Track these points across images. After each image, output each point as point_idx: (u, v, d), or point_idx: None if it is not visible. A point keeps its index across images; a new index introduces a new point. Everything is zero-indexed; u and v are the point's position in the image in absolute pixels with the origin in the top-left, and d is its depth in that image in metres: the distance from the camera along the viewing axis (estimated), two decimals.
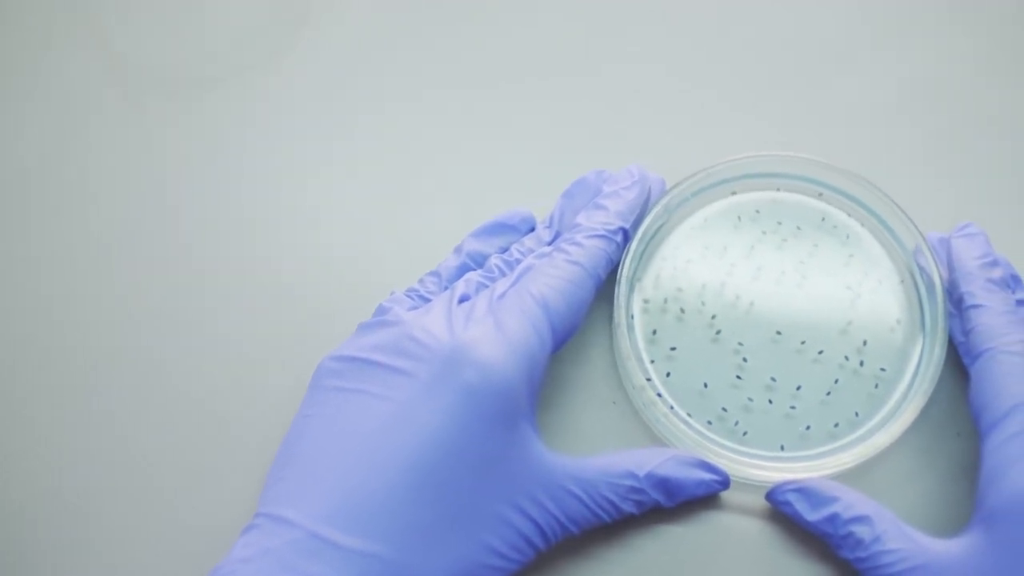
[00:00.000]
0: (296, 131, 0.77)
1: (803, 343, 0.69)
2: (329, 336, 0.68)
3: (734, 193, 0.73)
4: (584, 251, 0.66)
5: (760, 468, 0.66)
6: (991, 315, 0.65)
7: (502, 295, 0.64)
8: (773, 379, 0.68)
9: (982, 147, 0.78)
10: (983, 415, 0.63)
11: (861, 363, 0.69)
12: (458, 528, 0.59)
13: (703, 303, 0.70)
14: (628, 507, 0.63)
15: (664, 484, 0.64)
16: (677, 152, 0.75)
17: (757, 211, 0.73)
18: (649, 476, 0.63)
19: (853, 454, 0.65)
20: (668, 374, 0.69)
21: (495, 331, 0.62)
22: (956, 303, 0.67)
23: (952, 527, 0.64)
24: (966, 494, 0.65)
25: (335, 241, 0.74)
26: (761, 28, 0.82)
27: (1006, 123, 0.78)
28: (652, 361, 0.69)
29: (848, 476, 0.66)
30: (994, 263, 0.68)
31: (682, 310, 0.70)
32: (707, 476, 0.65)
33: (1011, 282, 0.68)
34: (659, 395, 0.68)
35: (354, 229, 0.74)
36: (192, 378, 0.70)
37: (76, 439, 0.69)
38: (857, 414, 0.68)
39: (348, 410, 0.62)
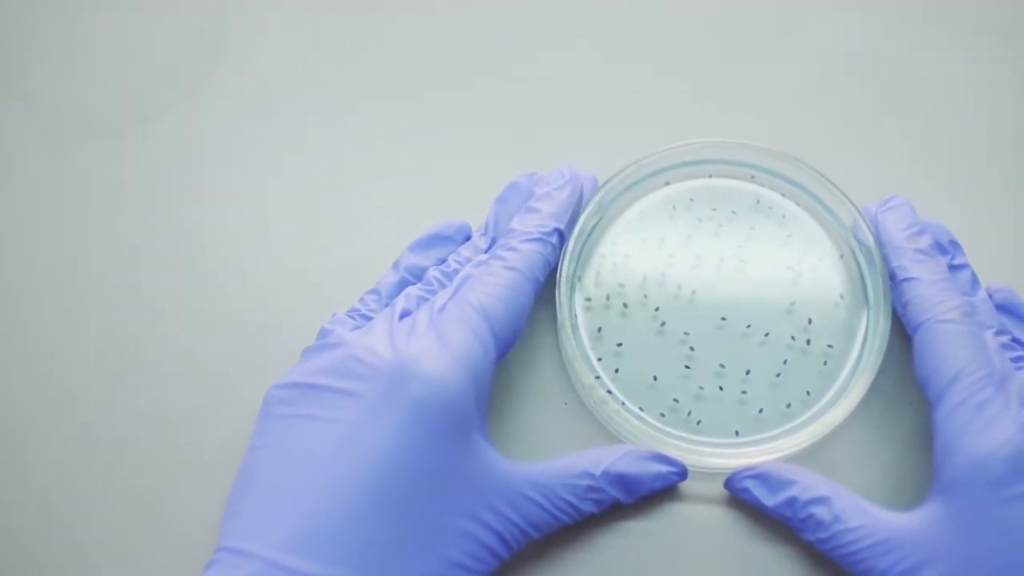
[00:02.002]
0: (224, 162, 0.77)
1: (749, 327, 0.69)
2: (275, 364, 0.68)
3: (667, 183, 0.73)
4: (520, 256, 0.66)
5: (717, 456, 0.66)
6: (923, 286, 0.65)
7: (442, 307, 0.64)
8: (722, 366, 0.68)
9: (910, 116, 0.78)
10: (929, 386, 0.63)
11: (808, 342, 0.69)
12: (418, 544, 0.59)
13: (645, 296, 0.70)
14: (588, 507, 0.63)
15: (621, 480, 0.64)
16: (607, 147, 0.75)
17: (691, 199, 0.73)
18: (606, 474, 0.63)
19: (807, 433, 0.65)
20: (617, 370, 0.68)
21: (437, 344, 0.61)
22: (891, 278, 0.68)
23: (912, 496, 0.65)
24: (924, 463, 0.66)
25: (273, 268, 0.73)
26: (680, 14, 0.82)
27: (931, 92, 0.79)
28: (599, 359, 0.69)
29: (805, 456, 0.66)
30: (921, 232, 0.68)
31: (625, 305, 0.70)
32: (664, 468, 0.65)
33: (947, 247, 0.69)
34: (609, 392, 0.68)
35: (291, 254, 0.74)
36: (139, 421, 0.69)
37: (22, 488, 0.68)
38: (808, 393, 0.68)
39: (298, 437, 0.61)
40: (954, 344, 0.63)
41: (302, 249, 0.74)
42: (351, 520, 0.58)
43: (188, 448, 0.69)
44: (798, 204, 0.73)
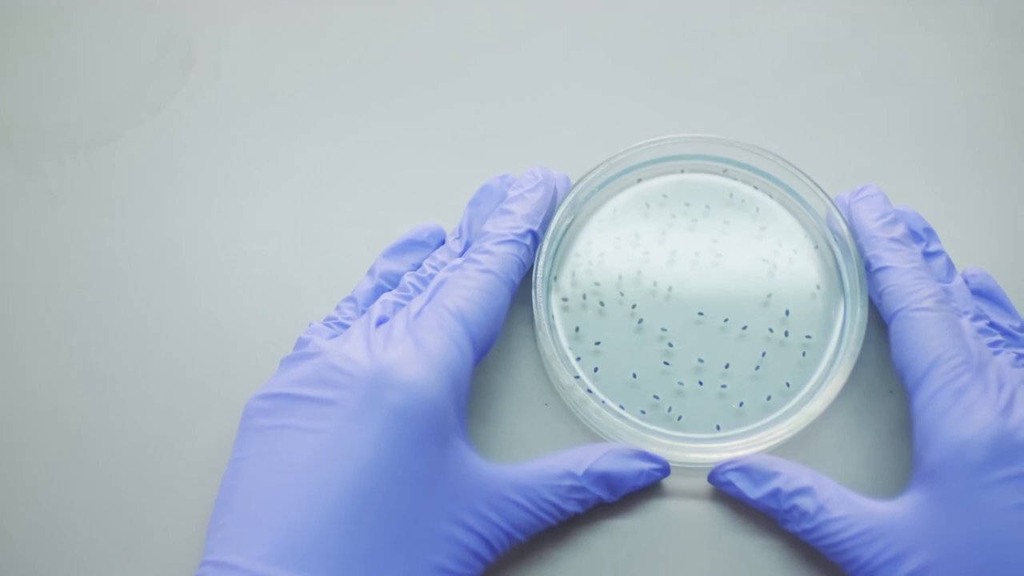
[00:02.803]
0: (194, 176, 0.77)
1: (726, 321, 0.69)
2: (256, 374, 0.68)
3: (640, 180, 0.73)
4: (495, 258, 0.66)
5: (699, 451, 0.66)
6: (898, 275, 0.66)
7: (418, 313, 0.64)
8: (701, 360, 0.68)
9: (880, 105, 0.78)
10: (907, 374, 0.63)
11: (786, 333, 0.69)
12: (403, 551, 0.59)
13: (622, 294, 0.70)
14: (571, 507, 0.63)
15: (604, 479, 0.64)
16: (579, 146, 0.75)
17: (664, 195, 0.73)
18: (588, 473, 0.63)
19: (789, 425, 0.66)
20: (596, 369, 0.68)
21: (415, 350, 0.61)
22: (866, 267, 0.68)
23: (896, 484, 0.65)
24: (905, 450, 0.66)
25: (249, 279, 0.73)
26: (646, 9, 0.81)
27: (900, 79, 0.79)
28: (578, 359, 0.69)
29: (787, 448, 0.67)
30: (894, 221, 0.68)
31: (602, 304, 0.70)
32: (646, 465, 0.65)
33: (922, 234, 0.69)
34: (589, 392, 0.68)
35: (266, 265, 0.74)
36: (121, 436, 0.69)
37: (3, 504, 0.68)
38: (788, 384, 0.68)
39: (279, 447, 0.61)
40: (930, 332, 0.63)
41: (277, 260, 0.74)
42: (334, 530, 0.58)
43: (171, 461, 0.68)
44: (771, 196, 0.73)
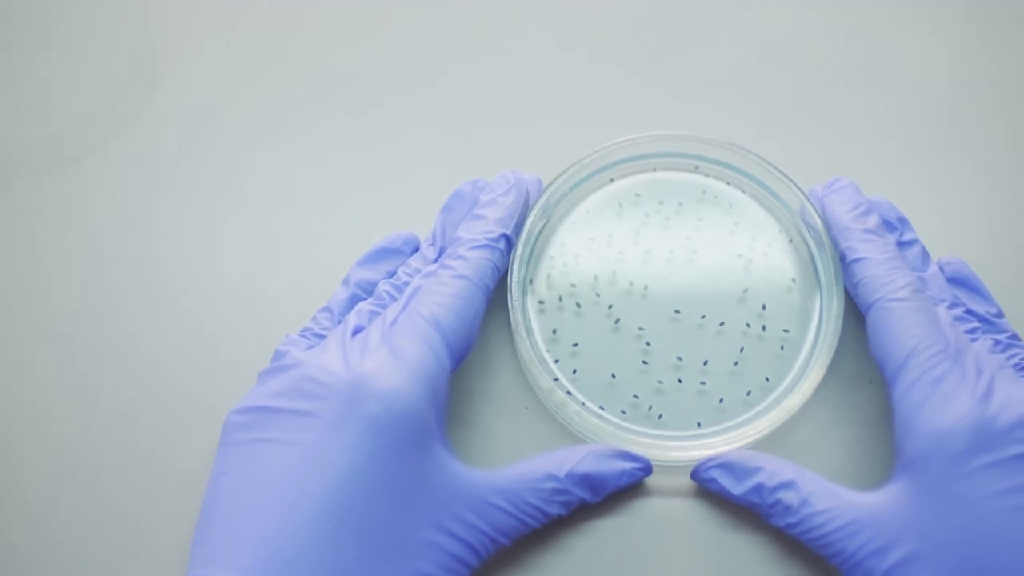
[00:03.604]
0: (166, 192, 0.76)
1: (703, 317, 0.69)
2: (235, 388, 0.67)
3: (612, 180, 0.73)
4: (469, 264, 0.66)
5: (680, 448, 0.66)
6: (873, 266, 0.66)
7: (394, 321, 0.64)
8: (679, 358, 0.68)
9: (849, 97, 0.78)
10: (885, 365, 0.64)
11: (764, 328, 0.69)
12: (386, 559, 0.59)
13: (598, 295, 0.70)
14: (555, 509, 0.63)
15: (586, 480, 0.64)
16: (550, 148, 0.75)
17: (637, 194, 0.73)
18: (570, 475, 0.63)
19: (769, 419, 0.66)
20: (575, 371, 0.68)
21: (391, 359, 0.61)
22: (841, 259, 0.68)
23: (879, 474, 0.65)
24: (887, 440, 0.66)
25: (224, 294, 0.73)
26: (614, 7, 0.82)
27: (869, 71, 0.79)
28: (556, 361, 0.69)
29: (769, 442, 0.67)
30: (867, 212, 0.68)
31: (578, 305, 0.70)
32: (628, 465, 0.65)
33: (895, 224, 0.69)
34: (569, 394, 0.68)
35: (242, 279, 0.73)
36: (102, 454, 0.69)
37: None
38: (767, 379, 0.68)
39: (259, 461, 0.61)
40: (906, 322, 0.63)
41: (253, 271, 0.73)
42: (315, 542, 0.58)
43: (152, 477, 0.68)
44: (744, 192, 0.73)
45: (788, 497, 0.62)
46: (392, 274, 0.69)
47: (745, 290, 0.70)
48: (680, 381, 0.68)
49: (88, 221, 0.76)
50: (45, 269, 0.74)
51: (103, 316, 0.72)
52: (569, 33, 0.81)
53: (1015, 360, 0.65)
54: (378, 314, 0.66)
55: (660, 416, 0.67)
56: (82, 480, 0.68)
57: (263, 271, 0.73)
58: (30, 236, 0.75)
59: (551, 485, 0.63)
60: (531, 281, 0.71)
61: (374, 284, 0.69)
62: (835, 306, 0.68)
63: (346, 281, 0.69)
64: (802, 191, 0.70)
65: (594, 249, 0.71)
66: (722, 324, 0.69)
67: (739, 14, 0.81)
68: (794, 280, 0.70)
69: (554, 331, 0.69)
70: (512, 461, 0.64)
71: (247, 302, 0.72)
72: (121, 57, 0.81)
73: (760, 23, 0.81)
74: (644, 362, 0.68)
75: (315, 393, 0.61)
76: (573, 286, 0.70)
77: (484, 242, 0.66)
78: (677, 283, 0.70)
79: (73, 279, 0.74)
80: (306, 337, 0.66)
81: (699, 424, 0.67)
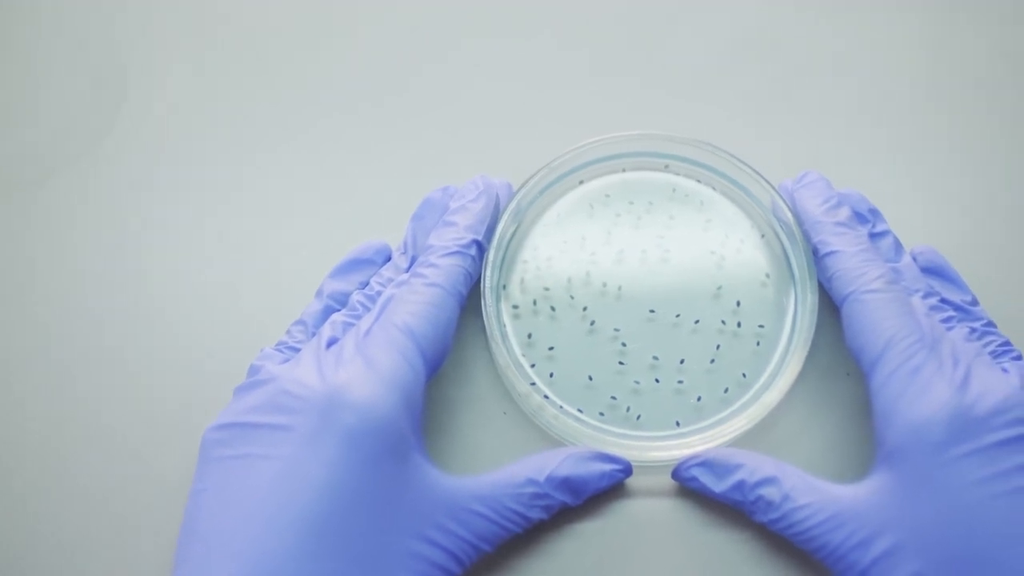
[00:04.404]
0: (133, 210, 0.76)
1: (678, 316, 0.69)
2: (212, 405, 0.67)
3: (582, 182, 0.73)
4: (440, 271, 0.65)
5: (660, 448, 0.66)
6: (845, 259, 0.66)
7: (368, 331, 0.64)
8: (656, 358, 0.68)
9: (816, 90, 0.79)
10: (861, 357, 0.64)
11: (739, 324, 0.69)
12: (367, 571, 0.58)
13: (572, 297, 0.70)
14: (536, 514, 0.63)
15: (567, 483, 0.63)
16: (519, 151, 0.75)
17: (607, 195, 0.73)
18: (550, 479, 0.63)
19: (748, 416, 0.66)
20: (551, 375, 0.68)
21: (366, 370, 0.61)
22: (813, 253, 0.68)
23: (860, 466, 0.65)
24: (867, 432, 0.66)
25: (198, 309, 0.73)
26: (579, 11, 0.81)
27: (834, 63, 0.80)
28: (533, 365, 0.69)
29: (749, 438, 0.67)
30: (838, 205, 0.68)
31: (553, 308, 0.70)
32: (608, 467, 0.65)
33: (867, 216, 0.69)
34: (546, 397, 0.68)
35: (214, 293, 0.73)
36: (79, 476, 0.69)
37: None
38: (744, 375, 0.68)
39: (237, 477, 0.61)
40: (881, 313, 0.63)
41: (226, 287, 0.73)
42: (295, 556, 0.57)
43: (133, 496, 0.68)
44: (714, 189, 0.73)
45: (770, 493, 0.62)
46: (365, 284, 0.69)
47: (719, 287, 0.70)
48: (657, 381, 0.68)
49: (59, 238, 0.75)
50: (18, 285, 0.74)
51: (76, 334, 0.72)
52: (532, 39, 0.81)
53: (991, 347, 0.65)
54: (352, 325, 0.66)
55: (638, 417, 0.67)
56: (61, 500, 0.68)
57: (236, 285, 0.73)
58: (1, 253, 0.75)
59: (531, 490, 0.63)
60: (505, 286, 0.70)
61: (347, 295, 0.69)
62: (809, 300, 0.68)
63: (319, 293, 0.69)
64: (773, 186, 0.70)
65: (567, 252, 0.71)
66: (697, 322, 0.69)
67: (702, 11, 0.81)
68: (768, 275, 0.70)
69: (529, 335, 0.69)
70: (492, 467, 0.64)
71: (221, 317, 0.72)
72: (89, 73, 0.81)
73: (724, 19, 0.81)
74: (621, 363, 0.68)
75: (291, 407, 0.61)
76: (547, 289, 0.70)
77: (455, 249, 0.66)
78: (651, 283, 0.70)
79: (46, 296, 0.73)
80: (281, 351, 0.66)
81: (678, 423, 0.67)
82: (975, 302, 0.68)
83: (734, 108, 0.78)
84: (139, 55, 0.81)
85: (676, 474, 0.65)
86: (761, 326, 0.69)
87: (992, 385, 0.61)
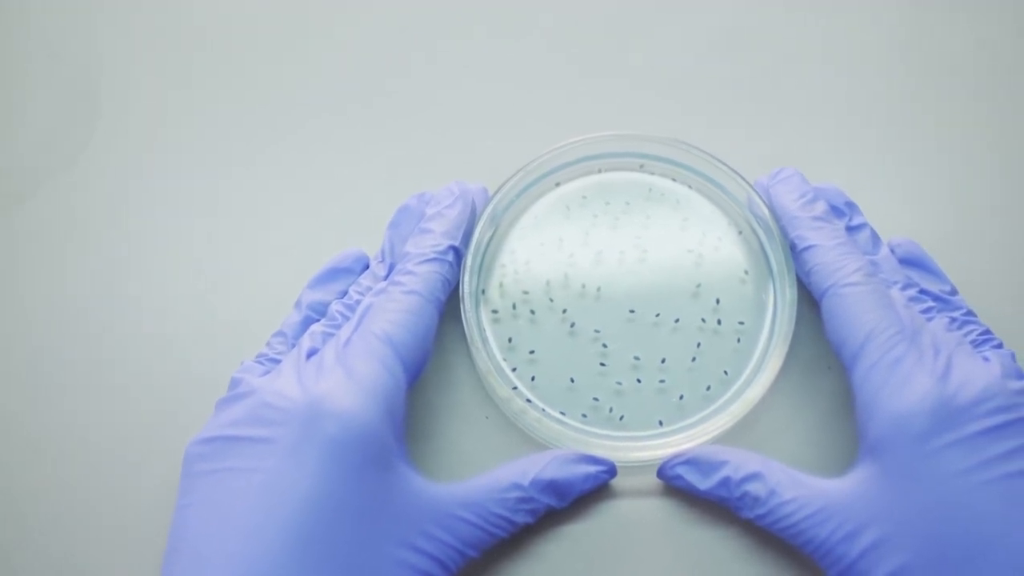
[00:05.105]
0: (112, 226, 0.76)
1: (658, 315, 0.69)
2: (195, 418, 0.67)
3: (558, 184, 0.73)
4: (418, 278, 0.65)
5: (644, 448, 0.66)
6: (823, 253, 0.66)
7: (347, 341, 0.63)
8: (637, 358, 0.68)
9: (791, 85, 0.79)
10: (842, 350, 0.64)
11: (719, 322, 0.69)
12: None
13: (551, 300, 0.70)
14: (522, 518, 0.63)
15: (552, 486, 0.63)
16: (495, 155, 0.74)
17: (584, 196, 0.73)
18: (535, 483, 0.63)
19: (731, 413, 0.66)
20: (533, 378, 0.68)
21: (346, 379, 0.61)
22: (791, 248, 0.68)
23: (844, 459, 0.65)
24: (850, 425, 0.66)
25: (178, 322, 0.72)
26: (551, 12, 0.81)
27: (809, 57, 0.79)
28: (514, 369, 0.69)
29: (732, 435, 0.67)
30: (814, 199, 0.69)
31: (532, 312, 0.70)
32: (592, 469, 0.65)
33: (844, 209, 0.69)
34: (528, 401, 0.67)
35: (194, 305, 0.73)
36: (63, 494, 0.68)
37: None
38: (726, 372, 0.68)
39: (222, 491, 0.60)
40: (861, 306, 0.64)
41: (204, 301, 0.73)
42: (280, 569, 0.57)
43: (118, 513, 0.68)
44: (690, 187, 0.73)
45: (756, 488, 0.62)
46: (344, 293, 0.69)
47: (698, 285, 0.70)
48: (639, 381, 0.68)
49: (32, 259, 0.75)
50: None
51: (56, 352, 0.72)
52: (504, 42, 0.81)
53: (972, 336, 0.65)
54: (332, 335, 0.66)
55: (621, 417, 0.67)
56: (46, 521, 0.68)
57: (216, 297, 0.73)
58: None
59: (516, 494, 0.63)
60: (483, 291, 0.70)
61: (326, 305, 0.68)
62: (788, 295, 0.68)
63: (298, 304, 0.69)
64: (748, 183, 0.70)
65: (545, 254, 0.71)
66: (677, 321, 0.69)
67: (677, 11, 0.81)
68: (746, 272, 0.70)
69: (510, 339, 0.69)
70: (476, 472, 0.64)
71: (201, 331, 0.72)
72: (60, 94, 0.80)
73: (698, 19, 0.81)
74: (602, 364, 0.68)
75: (272, 419, 0.61)
76: (526, 293, 0.70)
77: (432, 256, 0.66)
78: (630, 283, 0.70)
79: (24, 312, 0.73)
80: (261, 363, 0.66)
81: (661, 423, 0.67)
82: (954, 292, 0.68)
83: (709, 106, 0.78)
84: (112, 69, 0.81)
85: (661, 473, 0.65)
86: (741, 323, 0.69)
87: (973, 374, 0.61)
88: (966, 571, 0.58)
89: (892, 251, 0.69)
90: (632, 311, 0.69)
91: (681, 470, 0.65)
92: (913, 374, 0.61)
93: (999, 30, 0.80)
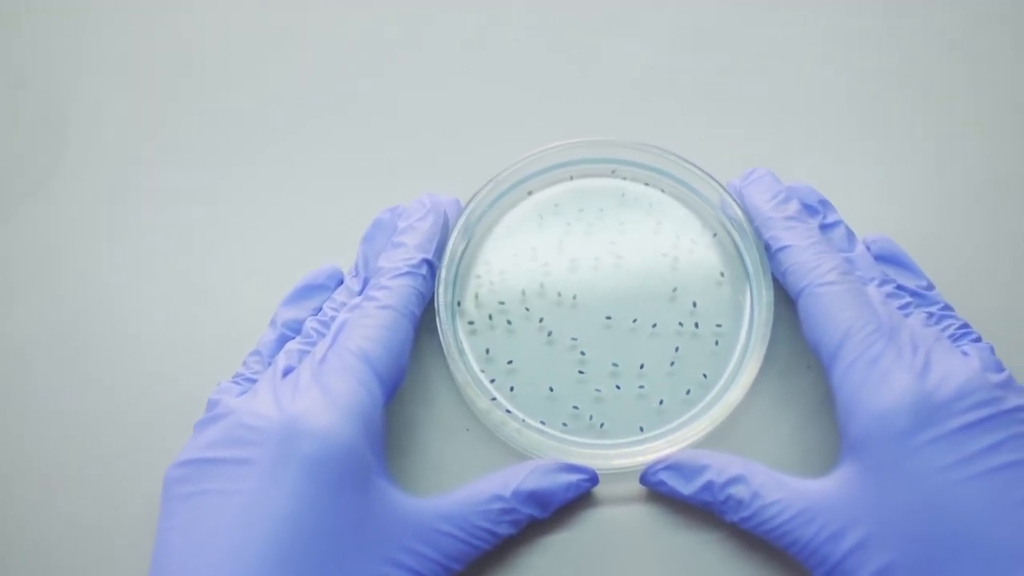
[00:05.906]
0: (84, 251, 0.75)
1: (635, 321, 0.69)
2: (174, 441, 0.66)
3: (530, 193, 0.73)
4: (392, 293, 0.65)
5: (625, 455, 0.65)
6: (798, 253, 0.66)
7: (323, 358, 0.63)
8: (615, 364, 0.68)
9: (759, 84, 0.79)
10: (820, 350, 0.64)
11: (696, 325, 0.69)
12: None
13: (528, 309, 0.70)
14: (504, 529, 0.63)
15: (533, 496, 0.63)
16: (466, 166, 0.74)
17: (556, 204, 0.73)
18: (516, 493, 0.63)
19: (711, 417, 0.66)
20: (512, 388, 0.68)
21: (322, 397, 0.61)
22: (766, 249, 0.68)
23: (826, 459, 0.65)
24: (831, 424, 0.66)
25: (152, 348, 0.72)
26: (514, 14, 0.81)
27: (775, 55, 0.80)
28: (492, 380, 0.68)
29: (713, 439, 0.67)
30: (787, 199, 0.68)
31: (509, 322, 0.69)
32: (573, 477, 0.64)
33: (818, 207, 0.69)
34: (508, 412, 0.67)
35: (169, 328, 0.72)
36: (43, 523, 0.68)
37: None
38: (705, 375, 0.68)
39: (202, 513, 0.60)
40: (837, 305, 0.64)
41: (179, 323, 0.73)
42: None
43: (99, 539, 0.67)
44: (663, 191, 0.73)
45: (739, 491, 0.62)
46: (319, 310, 0.68)
47: (674, 289, 0.70)
48: (618, 387, 0.68)
49: (8, 282, 0.74)
50: None
51: (29, 379, 0.72)
52: (471, 52, 0.81)
53: (950, 331, 0.65)
54: (307, 352, 0.65)
55: (602, 425, 0.67)
56: (27, 550, 0.67)
57: (190, 320, 0.73)
58: None
59: (498, 505, 0.62)
60: (459, 303, 0.70)
61: (301, 322, 0.68)
62: (765, 296, 0.68)
63: (273, 322, 0.69)
64: (721, 185, 0.70)
65: (519, 264, 0.71)
66: (655, 325, 0.69)
67: (636, 11, 0.81)
68: (722, 274, 0.70)
69: (487, 351, 0.69)
70: (457, 485, 0.64)
71: (176, 354, 0.72)
72: (27, 120, 0.80)
73: (662, 19, 0.81)
74: (581, 372, 0.68)
75: (250, 440, 0.61)
76: (502, 303, 0.70)
77: (405, 269, 0.66)
78: (606, 289, 0.70)
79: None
80: (238, 383, 0.66)
81: (641, 429, 0.67)
82: (931, 286, 0.68)
83: (678, 108, 0.78)
84: (79, 94, 0.81)
85: (644, 479, 0.65)
86: (719, 325, 0.69)
87: (953, 369, 0.61)
88: (951, 568, 0.58)
89: (867, 248, 0.69)
90: (609, 317, 0.69)
91: (664, 475, 0.64)
92: (892, 371, 0.61)
93: (974, 28, 0.80)
